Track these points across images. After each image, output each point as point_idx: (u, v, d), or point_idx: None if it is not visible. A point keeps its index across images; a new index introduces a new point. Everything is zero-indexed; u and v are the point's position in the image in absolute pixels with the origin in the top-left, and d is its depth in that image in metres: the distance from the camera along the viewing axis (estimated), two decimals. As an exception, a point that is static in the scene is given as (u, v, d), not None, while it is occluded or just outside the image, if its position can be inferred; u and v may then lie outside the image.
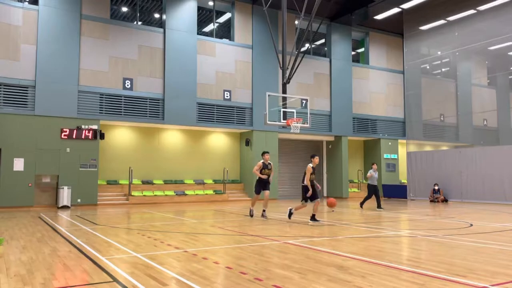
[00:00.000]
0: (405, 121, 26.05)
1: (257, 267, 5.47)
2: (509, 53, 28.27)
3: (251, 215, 12.23)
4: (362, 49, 26.37)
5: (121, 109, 18.66)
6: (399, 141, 26.41)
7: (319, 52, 24.95)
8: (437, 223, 11.14)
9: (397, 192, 23.84)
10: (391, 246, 7.62)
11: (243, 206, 17.47)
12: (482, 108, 28.07)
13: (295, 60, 19.32)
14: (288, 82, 19.40)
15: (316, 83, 23.70)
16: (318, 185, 11.01)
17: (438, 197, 20.65)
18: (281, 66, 19.52)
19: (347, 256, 6.17)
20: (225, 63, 21.12)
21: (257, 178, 11.86)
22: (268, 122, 17.62)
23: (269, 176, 11.74)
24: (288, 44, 19.69)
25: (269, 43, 21.04)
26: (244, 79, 21.57)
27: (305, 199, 10.77)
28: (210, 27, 21.88)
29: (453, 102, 27.73)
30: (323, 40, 25.00)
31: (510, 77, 30.82)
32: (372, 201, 16.56)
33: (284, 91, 19.29)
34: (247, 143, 21.84)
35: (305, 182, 10.80)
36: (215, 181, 21.49)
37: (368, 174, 15.60)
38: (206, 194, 20.65)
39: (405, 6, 21.56)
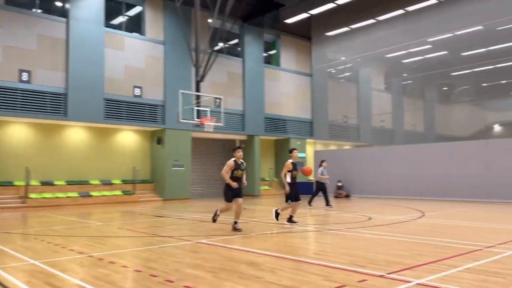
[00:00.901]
0: (312, 122, 27.39)
1: (168, 268, 5.34)
2: (403, 61, 31.15)
3: (214, 220, 9.32)
4: (274, 51, 27.15)
5: (17, 104, 17.00)
6: (307, 140, 27.67)
7: (232, 52, 25.16)
8: (340, 218, 11.87)
9: (305, 189, 24.96)
10: (300, 241, 7.95)
11: (154, 207, 16.99)
12: (379, 110, 30.58)
13: (209, 59, 19.27)
14: (202, 81, 19.28)
15: (230, 83, 23.88)
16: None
17: (341, 193, 22.02)
18: (195, 64, 19.32)
19: (258, 253, 6.29)
20: (135, 58, 20.33)
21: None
22: (181, 120, 17.33)
23: (241, 178, 9.02)
24: (201, 42, 19.55)
25: (182, 40, 20.70)
26: (156, 76, 20.96)
27: (290, 199, 9.74)
28: (119, 19, 20.88)
29: (355, 104, 29.84)
30: (236, 40, 25.26)
31: (403, 83, 33.99)
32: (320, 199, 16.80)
33: (197, 90, 19.13)
34: (159, 141, 21.27)
35: (287, 179, 9.71)
36: (124, 181, 20.57)
37: (318, 172, 15.66)
38: (114, 195, 19.68)
39: (313, 12, 22.63)
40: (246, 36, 24.70)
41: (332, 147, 29.32)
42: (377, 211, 13.72)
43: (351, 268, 5.19)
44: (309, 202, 15.52)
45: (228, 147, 25.33)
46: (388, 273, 4.86)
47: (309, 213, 13.89)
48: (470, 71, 32.28)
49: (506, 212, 12.97)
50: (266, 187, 26.10)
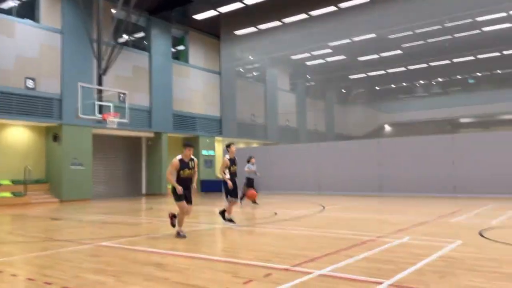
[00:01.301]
0: (221, 120, 27.51)
1: (65, 275, 4.95)
2: (306, 63, 32.74)
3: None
4: (183, 47, 26.71)
5: None
6: (216, 138, 27.74)
7: (138, 45, 24.19)
8: (248, 214, 12.10)
9: (214, 187, 25.00)
10: (208, 238, 7.92)
11: (50, 209, 15.68)
12: (285, 110, 31.81)
13: (112, 51, 18.31)
14: (105, 74, 18.26)
15: (136, 77, 22.93)
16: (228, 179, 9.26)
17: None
18: (96, 56, 18.23)
19: (165, 253, 6.14)
20: (28, 46, 18.53)
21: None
22: (80, 115, 16.23)
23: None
24: (104, 33, 18.50)
25: (83, 30, 19.36)
26: (52, 67, 19.33)
27: (229, 195, 9.36)
28: (9, 3, 18.85)
29: (262, 103, 30.65)
30: (143, 34, 24.35)
31: (307, 84, 35.73)
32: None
33: (100, 83, 18.07)
34: (55, 138, 19.65)
35: (222, 176, 9.33)
36: (14, 182, 18.66)
37: (246, 168, 15.40)
38: (2, 197, 17.75)
39: (222, 10, 22.71)
40: (153, 29, 23.93)
41: (241, 145, 29.76)
42: (282, 206, 14.23)
43: (258, 263, 5.30)
44: (240, 200, 15.06)
45: (134, 145, 24.35)
46: (293, 266, 5.06)
47: (216, 210, 13.92)
48: (365, 75, 35.09)
49: (394, 204, 14.32)
50: (174, 186, 25.58)
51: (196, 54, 26.92)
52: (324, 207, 13.28)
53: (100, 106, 17.12)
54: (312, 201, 16.13)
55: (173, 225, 7.83)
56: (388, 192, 18.57)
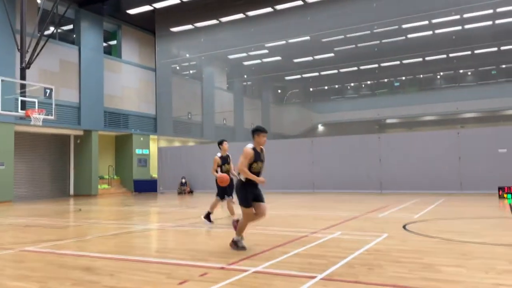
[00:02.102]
0: (156, 117, 26.84)
1: (-18, 284, 4.56)
2: (243, 63, 32.95)
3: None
4: (115, 42, 25.69)
5: None
6: (151, 136, 27.03)
7: (66, 38, 22.88)
8: (183, 214, 11.93)
9: (148, 187, 24.37)
10: (141, 240, 7.70)
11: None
12: (222, 108, 31.77)
13: (37, 44, 17.20)
14: (28, 67, 17.11)
15: (63, 72, 21.66)
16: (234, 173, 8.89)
17: (185, 189, 22.17)
18: (19, 48, 17.04)
19: (95, 256, 5.87)
20: None
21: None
22: (1, 111, 15.05)
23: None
24: (28, 24, 17.29)
25: (4, 20, 17.93)
26: (-33, 58, 17.70)
27: (220, 194, 9.04)
28: None
29: (199, 102, 30.36)
30: (71, 26, 23.06)
31: (244, 83, 35.98)
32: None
33: (23, 77, 16.87)
34: (-29, 136, 18.02)
35: (216, 174, 8.77)
36: None
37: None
38: None
39: (157, 5, 22.15)
40: (83, 22, 22.76)
41: (176, 144, 29.26)
42: (219, 205, 14.16)
43: (193, 263, 5.25)
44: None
45: (61, 143, 23.00)
46: (229, 264, 5.07)
47: (150, 211, 13.59)
48: (300, 76, 36.06)
49: (327, 201, 14.87)
50: (105, 186, 24.58)
51: (130, 50, 26.04)
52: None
53: (23, 102, 15.97)
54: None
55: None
56: (320, 189, 19.24)
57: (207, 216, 9.17)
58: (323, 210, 11.98)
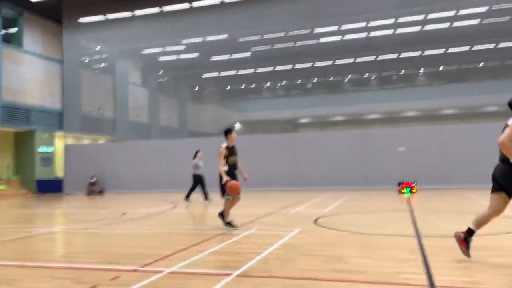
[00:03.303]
0: (63, 113, 24.98)
1: None
2: (159, 59, 32.07)
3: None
4: (16, 30, 23.44)
5: None
6: (57, 133, 25.13)
7: (-45, 22, 20.38)
8: (94, 215, 11.28)
9: (53, 187, 22.67)
10: (45, 244, 7.12)
11: None
12: (136, 105, 30.61)
13: None
14: None
15: (-49, 60, 19.25)
16: (245, 174, 8.21)
17: (94, 189, 20.97)
18: None
19: (-11, 265, 5.29)
20: None
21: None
22: None
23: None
24: None
25: None
26: None
27: (224, 192, 7.78)
28: None
29: (111, 97, 28.90)
30: (-39, 9, 20.60)
31: (159, 80, 35.04)
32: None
33: None
34: None
35: (220, 170, 7.70)
36: None
37: (193, 162, 13.93)
38: None
39: (64, -7, 20.67)
40: (-23, 6, 20.44)
41: (86, 141, 27.58)
42: (132, 205, 13.66)
43: (103, 266, 4.98)
44: (187, 197, 13.95)
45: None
46: (142, 266, 4.89)
47: (55, 213, 12.66)
48: (217, 74, 36.10)
49: (243, 198, 15.03)
50: (2, 187, 22.34)
51: (33, 39, 23.95)
52: (176, 204, 13.20)
53: None
54: (164, 198, 15.88)
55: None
56: (247, 187, 19.44)
57: (227, 223, 7.84)
58: (239, 207, 12.10)
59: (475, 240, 4.78)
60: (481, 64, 32.38)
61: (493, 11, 23.86)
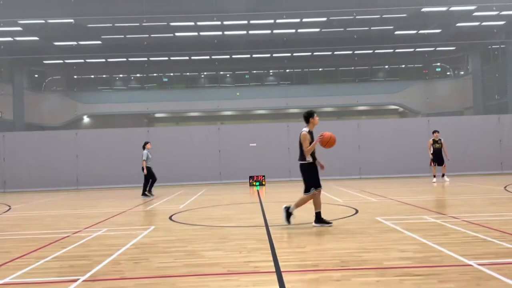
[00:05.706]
0: None
1: None
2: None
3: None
4: None
5: None
6: None
7: None
8: None
9: None
10: None
11: None
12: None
13: None
14: None
15: None
16: (321, 163, 6.82)
17: None
18: None
19: None
20: None
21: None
22: None
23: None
24: None
25: None
26: None
27: (309, 185, 6.57)
28: None
29: None
30: None
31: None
32: None
33: None
34: None
35: (306, 159, 6.61)
36: None
37: (144, 155, 12.79)
38: None
39: None
40: None
41: None
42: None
43: None
44: (149, 191, 13.04)
45: None
46: (-36, 282, 4.18)
47: None
48: (62, 61, 32.84)
49: (89, 198, 14.05)
50: None
51: None
52: (10, 207, 11.62)
53: None
54: (-6, 201, 13.82)
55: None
56: (85, 185, 18.07)
57: (319, 219, 6.63)
58: (87, 208, 11.27)
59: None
60: (320, 69, 36.32)
61: (331, 21, 26.98)
